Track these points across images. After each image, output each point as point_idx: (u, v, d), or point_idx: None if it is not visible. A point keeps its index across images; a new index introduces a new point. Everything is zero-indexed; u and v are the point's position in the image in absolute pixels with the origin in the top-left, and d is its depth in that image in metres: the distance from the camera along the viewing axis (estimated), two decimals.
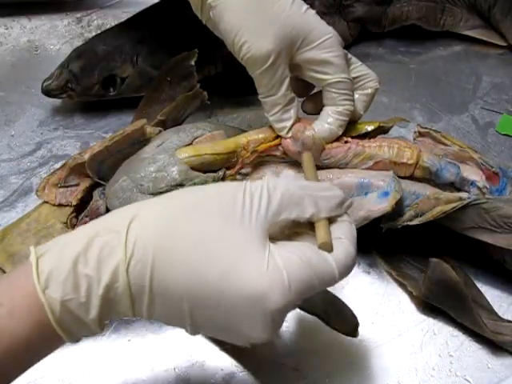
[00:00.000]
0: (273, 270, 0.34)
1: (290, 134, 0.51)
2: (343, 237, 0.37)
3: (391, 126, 0.55)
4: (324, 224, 0.37)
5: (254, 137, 0.52)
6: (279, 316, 0.34)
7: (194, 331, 0.36)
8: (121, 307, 0.35)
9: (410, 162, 0.51)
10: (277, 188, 0.36)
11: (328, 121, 0.51)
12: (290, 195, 0.36)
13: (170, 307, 0.35)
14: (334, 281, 0.36)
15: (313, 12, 0.50)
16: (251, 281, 0.33)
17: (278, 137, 0.52)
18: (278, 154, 0.52)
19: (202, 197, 0.36)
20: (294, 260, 0.34)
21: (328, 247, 0.36)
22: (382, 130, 0.55)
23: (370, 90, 0.53)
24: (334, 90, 0.51)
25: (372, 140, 0.52)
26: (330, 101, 0.51)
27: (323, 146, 0.51)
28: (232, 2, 0.49)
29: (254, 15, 0.48)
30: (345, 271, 0.36)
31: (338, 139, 0.52)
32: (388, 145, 0.52)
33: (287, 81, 0.50)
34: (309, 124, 0.51)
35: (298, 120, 0.51)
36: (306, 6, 0.50)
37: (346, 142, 0.52)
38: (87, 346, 0.47)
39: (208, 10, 0.50)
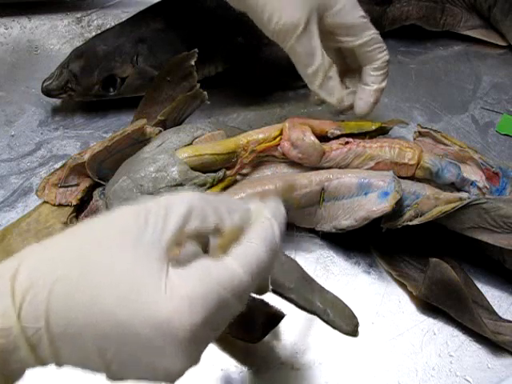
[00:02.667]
0: (171, 291, 0.31)
1: (337, 102, 0.52)
2: (253, 239, 0.34)
3: (391, 128, 0.55)
4: (229, 232, 0.35)
5: (254, 137, 0.52)
6: (194, 341, 0.31)
7: (112, 375, 0.33)
8: (20, 354, 0.32)
9: (412, 162, 0.51)
10: (173, 205, 0.33)
11: (371, 80, 0.53)
12: (187, 209, 0.33)
13: (76, 349, 0.32)
14: (245, 283, 0.32)
15: None
16: (150, 306, 0.31)
17: (277, 137, 0.52)
18: (276, 154, 0.52)
19: (97, 229, 0.34)
20: (193, 277, 0.31)
21: (222, 251, 0.34)
22: (381, 132, 0.55)
23: (377, 64, 0.53)
24: (365, 49, 0.52)
25: (373, 140, 0.52)
26: (366, 60, 0.53)
27: (323, 151, 0.51)
28: None
29: None
30: (256, 270, 0.33)
31: (338, 139, 0.52)
32: (389, 145, 0.52)
33: (321, 46, 0.51)
34: (308, 130, 0.51)
35: (298, 121, 0.52)
36: None
37: (346, 142, 0.52)
38: None
39: None
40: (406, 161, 0.51)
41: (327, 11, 0.51)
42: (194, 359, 0.32)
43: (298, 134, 0.51)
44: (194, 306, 0.31)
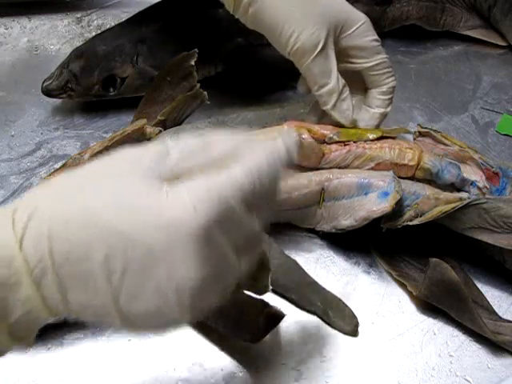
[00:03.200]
0: (174, 196, 0.30)
1: (350, 124, 0.53)
2: (259, 152, 0.34)
3: (394, 137, 0.54)
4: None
5: (253, 138, 0.52)
6: (204, 243, 0.30)
7: (122, 312, 0.31)
8: (22, 292, 0.30)
9: (412, 163, 0.51)
10: (175, 144, 0.33)
11: (376, 104, 0.53)
12: (190, 147, 0.33)
13: (81, 278, 0.30)
14: (247, 190, 0.32)
15: None
16: (154, 211, 0.30)
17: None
18: None
19: (95, 165, 0.33)
20: (196, 183, 0.31)
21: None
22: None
23: (384, 88, 0.54)
24: (374, 72, 0.53)
25: (373, 141, 0.52)
26: (373, 83, 0.53)
27: (323, 152, 0.51)
28: None
29: (297, 6, 0.50)
30: (258, 177, 0.32)
31: (337, 143, 0.52)
32: (389, 146, 0.52)
33: (336, 67, 0.51)
34: (307, 132, 0.51)
35: (297, 125, 0.51)
36: None
37: (345, 144, 0.52)
38: (87, 346, 0.47)
39: (245, 8, 0.51)
40: (406, 161, 0.51)
41: (343, 33, 0.52)
42: (208, 267, 0.31)
43: (296, 137, 0.51)
44: (200, 207, 0.30)
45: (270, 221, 0.36)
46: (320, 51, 0.50)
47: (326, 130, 0.52)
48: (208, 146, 0.33)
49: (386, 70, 0.53)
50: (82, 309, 0.32)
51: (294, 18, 0.49)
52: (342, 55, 0.53)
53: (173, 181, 0.32)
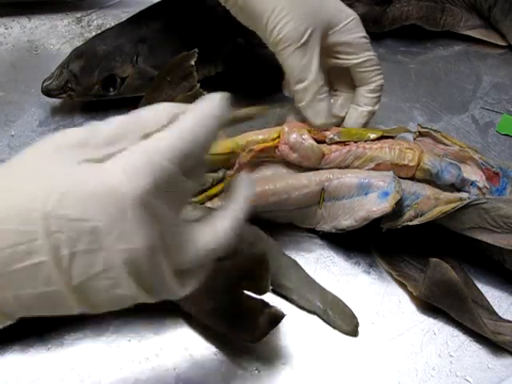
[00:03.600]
0: (112, 164, 0.30)
1: (321, 126, 0.52)
2: (189, 114, 0.34)
3: (394, 136, 0.54)
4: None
5: (253, 138, 0.52)
6: (148, 208, 0.30)
7: (75, 292, 0.31)
8: None
9: (412, 163, 0.51)
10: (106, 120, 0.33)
11: (364, 102, 0.53)
12: (121, 120, 0.33)
13: (32, 270, 0.30)
14: (183, 151, 0.32)
15: None
16: (93, 178, 0.30)
17: (275, 139, 0.52)
18: (275, 155, 0.52)
19: (30, 150, 0.33)
20: (128, 152, 0.31)
21: None
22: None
23: (372, 86, 0.53)
24: (362, 69, 0.52)
25: (373, 141, 0.52)
26: (361, 81, 0.53)
27: (323, 153, 0.51)
28: None
29: None
30: (190, 137, 0.33)
31: (337, 144, 0.52)
32: (389, 146, 0.51)
33: (318, 65, 0.51)
34: (307, 133, 0.51)
35: (296, 126, 0.51)
36: None
37: (346, 144, 0.52)
38: (87, 345, 0.47)
39: None
40: (406, 162, 0.51)
41: (332, 29, 0.51)
42: (153, 234, 0.31)
43: (297, 137, 0.51)
44: (134, 175, 0.30)
45: (201, 181, 0.36)
46: (302, 44, 0.50)
47: (327, 131, 0.52)
48: (139, 119, 0.33)
49: (374, 68, 0.53)
50: (37, 301, 0.31)
51: (281, 7, 0.49)
52: (331, 52, 0.53)
53: (106, 155, 0.31)
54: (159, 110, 0.34)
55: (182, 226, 0.34)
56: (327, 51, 0.53)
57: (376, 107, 0.54)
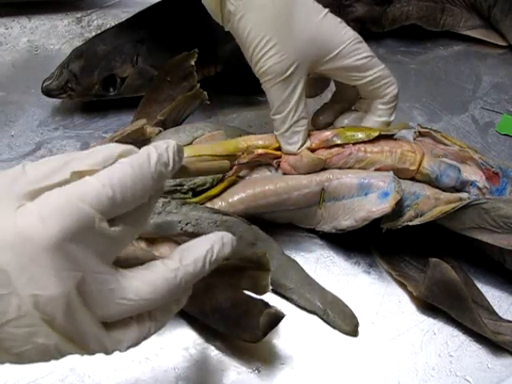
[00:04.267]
0: (24, 211, 0.29)
1: (290, 152, 0.51)
2: (125, 160, 0.32)
3: (393, 134, 0.54)
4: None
5: (254, 142, 0.52)
6: (58, 255, 0.28)
7: None
8: None
9: (412, 167, 0.51)
10: (32, 164, 0.32)
11: (378, 114, 0.52)
12: (48, 164, 0.31)
13: None
14: (105, 195, 0.30)
15: (330, 17, 0.50)
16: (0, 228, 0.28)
17: (277, 149, 0.52)
18: (273, 163, 0.52)
19: None
20: (47, 195, 0.29)
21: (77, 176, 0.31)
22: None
23: (386, 99, 0.52)
24: (370, 87, 0.51)
25: (374, 144, 0.52)
26: (374, 95, 0.52)
27: (324, 161, 0.51)
28: (253, 14, 0.48)
29: (275, 27, 0.48)
30: (119, 184, 0.30)
31: (338, 146, 0.52)
32: (390, 150, 0.51)
33: (299, 98, 0.50)
34: (304, 151, 0.51)
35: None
36: (324, 12, 0.50)
37: (347, 146, 0.51)
38: None
39: (227, 19, 0.50)
40: (407, 166, 0.51)
41: (326, 57, 0.50)
42: (70, 279, 0.29)
43: (296, 158, 0.51)
44: (47, 216, 0.28)
45: (139, 228, 0.34)
46: (285, 78, 0.49)
47: (325, 135, 0.52)
48: (68, 163, 0.31)
49: (383, 82, 0.51)
50: None
51: (269, 38, 0.48)
52: (333, 73, 0.52)
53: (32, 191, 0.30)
54: (98, 150, 0.32)
55: (109, 274, 0.31)
56: (329, 73, 0.52)
57: (392, 118, 0.53)
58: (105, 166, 0.32)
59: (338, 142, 0.51)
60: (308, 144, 0.51)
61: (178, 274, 0.33)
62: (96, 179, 0.30)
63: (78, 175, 0.31)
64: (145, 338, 0.34)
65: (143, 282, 0.32)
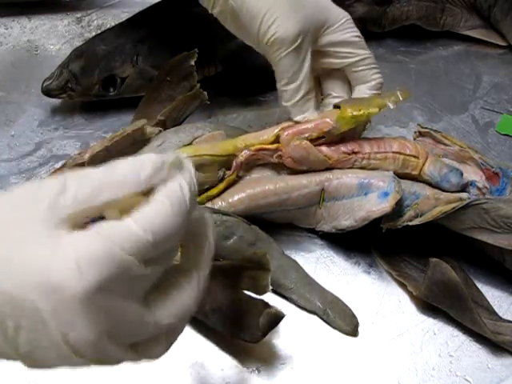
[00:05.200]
0: (62, 254, 0.28)
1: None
2: (163, 197, 0.31)
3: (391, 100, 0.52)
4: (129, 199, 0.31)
5: (252, 141, 0.51)
6: (92, 306, 0.28)
7: (27, 360, 0.31)
8: None
9: (414, 172, 0.51)
10: (70, 179, 0.31)
11: None
12: (86, 184, 0.30)
13: None
14: (146, 243, 0.29)
15: None
16: (38, 271, 0.28)
17: (273, 142, 0.51)
18: (272, 160, 0.52)
19: None
20: (85, 237, 0.29)
21: (115, 215, 0.30)
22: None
23: (373, 83, 0.53)
24: (360, 68, 0.52)
25: (380, 145, 0.51)
26: (360, 79, 0.53)
27: (329, 164, 0.51)
28: None
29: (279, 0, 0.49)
30: (159, 230, 0.29)
31: (345, 145, 0.51)
32: (393, 157, 0.51)
33: (309, 67, 0.51)
34: (310, 146, 0.50)
35: (293, 132, 0.51)
36: None
37: (353, 152, 0.51)
38: None
39: (223, 1, 0.50)
40: (409, 171, 0.51)
41: (326, 30, 0.51)
42: (103, 324, 0.29)
43: (301, 152, 0.50)
44: (84, 266, 0.28)
45: (169, 263, 0.33)
46: (296, 47, 0.50)
47: (324, 125, 0.51)
48: (109, 183, 0.31)
49: (372, 66, 0.53)
50: None
51: (276, 9, 0.49)
52: (326, 53, 0.53)
53: (70, 224, 0.29)
54: (138, 167, 0.31)
55: (141, 310, 0.31)
56: (321, 53, 0.53)
57: None
58: (149, 184, 0.31)
59: (337, 132, 0.50)
60: (316, 115, 0.52)
61: (200, 284, 0.34)
62: (137, 224, 0.29)
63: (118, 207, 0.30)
64: (173, 343, 0.34)
65: (171, 307, 0.32)
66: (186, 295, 0.33)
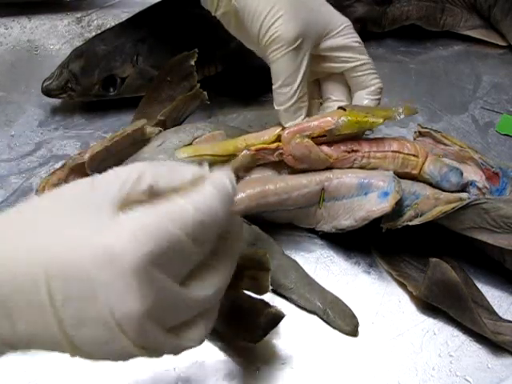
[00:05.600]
0: (116, 225, 0.30)
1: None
2: (206, 186, 0.33)
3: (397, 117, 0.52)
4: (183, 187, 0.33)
5: (253, 141, 0.51)
6: (143, 275, 0.29)
7: (70, 338, 0.31)
8: None
9: (414, 171, 0.51)
10: (122, 171, 0.33)
11: (365, 104, 0.53)
12: (137, 173, 0.32)
13: (28, 308, 0.30)
14: (196, 221, 0.31)
15: (327, 3, 0.53)
16: (93, 238, 0.29)
17: (274, 142, 0.51)
18: (272, 158, 0.52)
19: (46, 199, 0.33)
20: (140, 212, 0.30)
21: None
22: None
23: (373, 88, 0.53)
24: (360, 73, 0.53)
25: (379, 147, 0.51)
26: (360, 84, 0.53)
27: (330, 162, 0.51)
28: None
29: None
30: (207, 211, 0.31)
31: (345, 144, 0.51)
32: (393, 156, 0.51)
33: (306, 73, 0.51)
34: (312, 145, 0.50)
35: (295, 131, 0.51)
36: None
37: (352, 150, 0.51)
38: None
39: (227, 2, 0.51)
40: (409, 170, 0.51)
41: (327, 34, 0.52)
42: (151, 299, 0.30)
43: (303, 150, 0.50)
44: (139, 235, 0.29)
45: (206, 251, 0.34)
46: (295, 48, 0.50)
47: (326, 124, 0.50)
48: (171, 173, 0.33)
49: (372, 71, 0.53)
50: (32, 339, 0.31)
51: (279, 7, 0.49)
52: (326, 58, 0.53)
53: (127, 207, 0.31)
54: (187, 168, 0.34)
55: (182, 290, 0.32)
56: (322, 57, 0.53)
57: None
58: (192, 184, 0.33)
59: (338, 132, 0.50)
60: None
61: (232, 270, 0.36)
62: (189, 202, 0.31)
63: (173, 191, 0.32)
64: (208, 332, 0.35)
65: (208, 284, 0.34)
66: (220, 278, 0.35)
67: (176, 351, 0.34)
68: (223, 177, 0.34)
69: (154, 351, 0.32)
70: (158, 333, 0.31)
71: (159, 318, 0.31)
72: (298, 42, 0.50)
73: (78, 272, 0.29)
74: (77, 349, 0.31)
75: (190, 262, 0.33)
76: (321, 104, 0.56)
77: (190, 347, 0.34)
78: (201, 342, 0.34)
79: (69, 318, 0.30)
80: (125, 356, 0.32)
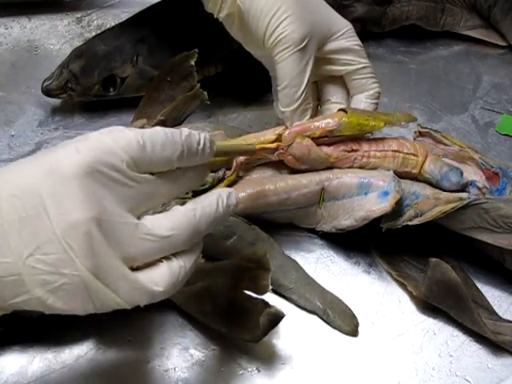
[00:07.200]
0: (68, 146, 0.33)
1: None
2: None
3: (397, 123, 0.53)
4: None
5: (253, 141, 0.51)
6: (86, 182, 0.32)
7: (28, 263, 0.32)
8: None
9: (414, 171, 0.51)
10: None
11: (363, 107, 0.53)
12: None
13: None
14: (137, 144, 0.34)
15: (328, 5, 0.54)
16: (48, 159, 0.33)
17: (274, 141, 0.51)
18: (272, 158, 0.52)
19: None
20: (91, 138, 0.34)
21: None
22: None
23: (371, 92, 0.54)
24: (360, 76, 0.53)
25: (378, 145, 0.51)
26: (359, 88, 0.54)
27: (330, 162, 0.51)
28: None
29: (293, 2, 0.50)
30: (149, 139, 0.34)
31: (345, 144, 0.51)
32: (393, 155, 0.51)
33: (311, 74, 0.51)
34: (312, 145, 0.50)
35: (296, 130, 0.51)
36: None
37: (352, 150, 0.51)
38: (87, 346, 0.47)
39: (231, 3, 0.51)
40: (409, 169, 0.51)
41: (331, 36, 0.52)
42: (91, 211, 0.31)
43: (303, 150, 0.50)
44: (81, 148, 0.32)
45: (173, 190, 0.37)
46: (302, 48, 0.50)
47: (327, 125, 0.51)
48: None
49: (372, 75, 0.54)
50: None
51: (286, 8, 0.49)
52: (328, 60, 0.53)
53: None
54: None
55: (129, 218, 0.33)
56: (323, 59, 0.53)
57: None
58: None
59: (339, 133, 0.51)
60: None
61: (197, 213, 0.36)
62: (131, 130, 0.34)
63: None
64: (175, 282, 0.35)
65: (165, 219, 0.35)
66: (179, 214, 0.35)
67: (138, 294, 0.33)
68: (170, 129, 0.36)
69: (110, 284, 0.32)
70: (108, 256, 0.32)
71: (109, 241, 0.32)
72: (304, 43, 0.50)
73: (32, 189, 0.32)
74: (37, 288, 0.32)
75: (138, 192, 0.34)
76: (318, 106, 0.56)
77: (154, 295, 0.34)
78: (166, 289, 0.34)
79: (27, 241, 0.32)
80: (82, 293, 0.32)
